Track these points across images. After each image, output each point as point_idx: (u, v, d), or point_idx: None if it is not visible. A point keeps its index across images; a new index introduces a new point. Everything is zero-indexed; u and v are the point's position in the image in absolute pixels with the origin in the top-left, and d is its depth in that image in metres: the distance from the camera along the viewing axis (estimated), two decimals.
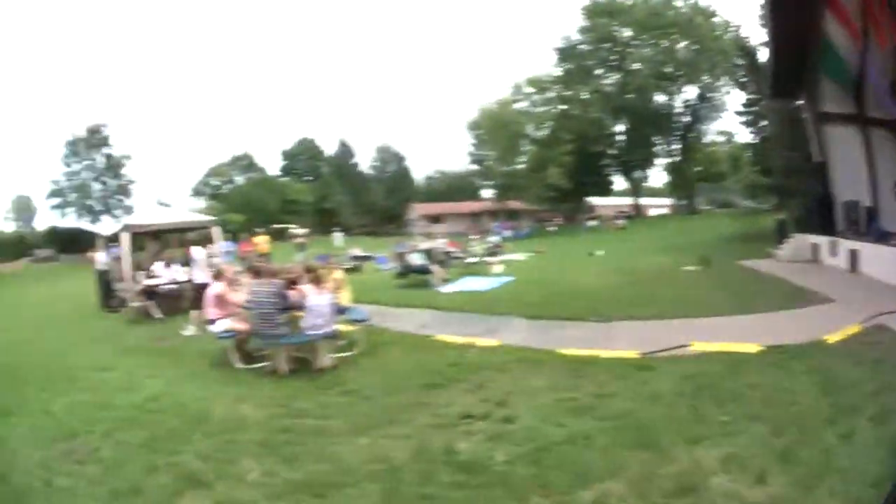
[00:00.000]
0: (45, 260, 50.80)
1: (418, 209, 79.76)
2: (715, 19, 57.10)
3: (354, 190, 79.62)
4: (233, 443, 6.13)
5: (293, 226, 43.76)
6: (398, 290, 17.80)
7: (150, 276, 16.14)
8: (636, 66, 60.91)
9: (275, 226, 54.93)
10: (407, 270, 18.86)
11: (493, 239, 32.08)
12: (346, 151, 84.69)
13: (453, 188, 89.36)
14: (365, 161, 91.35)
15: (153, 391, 8.27)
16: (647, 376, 7.52)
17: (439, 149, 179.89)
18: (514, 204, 72.65)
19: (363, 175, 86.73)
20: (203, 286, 12.19)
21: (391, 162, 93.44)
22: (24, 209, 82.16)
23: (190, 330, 12.71)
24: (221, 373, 9.21)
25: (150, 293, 15.35)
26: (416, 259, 19.19)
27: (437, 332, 11.27)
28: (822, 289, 13.08)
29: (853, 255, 15.75)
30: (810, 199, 20.11)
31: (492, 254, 25.25)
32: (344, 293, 10.86)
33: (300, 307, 9.28)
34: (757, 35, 31.47)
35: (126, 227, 17.67)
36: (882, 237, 15.10)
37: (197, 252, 17.06)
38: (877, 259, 14.46)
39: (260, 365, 9.24)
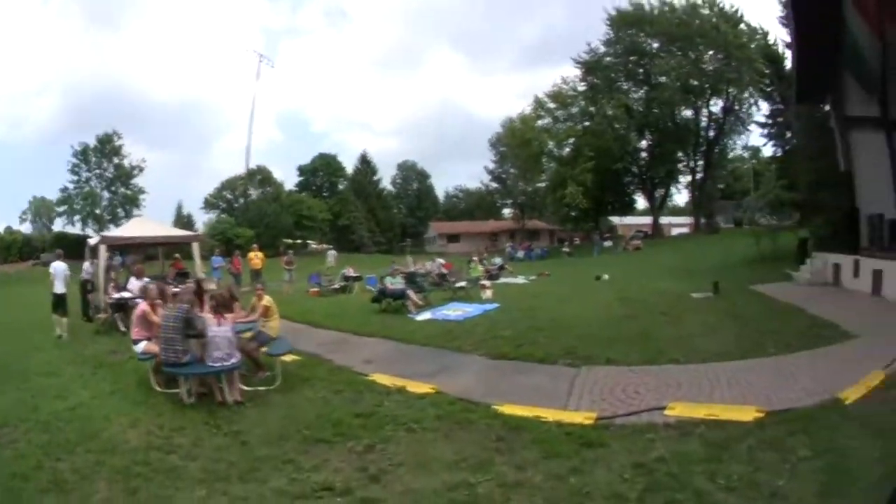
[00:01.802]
0: (48, 263, 50.66)
1: (436, 227, 78.62)
2: (742, 26, 54.23)
3: (371, 207, 78.07)
4: (100, 464, 6.08)
5: (313, 242, 42.39)
6: (371, 315, 16.04)
7: (119, 289, 15.55)
8: (663, 78, 58.35)
9: (287, 241, 53.56)
10: (382, 295, 16.99)
11: (497, 260, 30.68)
12: (366, 168, 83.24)
13: (473, 206, 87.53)
14: (387, 178, 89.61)
15: (77, 401, 8.43)
16: (589, 458, 5.64)
17: (462, 167, 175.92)
18: (534, 223, 70.65)
19: (382, 192, 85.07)
20: None
21: (414, 179, 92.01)
22: (41, 211, 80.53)
23: (57, 331, 13.88)
24: (141, 393, 8.88)
25: (118, 306, 14.79)
26: (392, 283, 17.40)
27: (378, 369, 9.86)
28: (842, 320, 11.19)
29: (876, 276, 13.86)
30: (836, 214, 18.04)
31: (491, 277, 23.67)
32: (273, 321, 10.31)
33: (201, 335, 8.58)
34: (783, 39, 29.35)
35: (103, 239, 17.96)
36: None
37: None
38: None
39: (176, 390, 8.54)
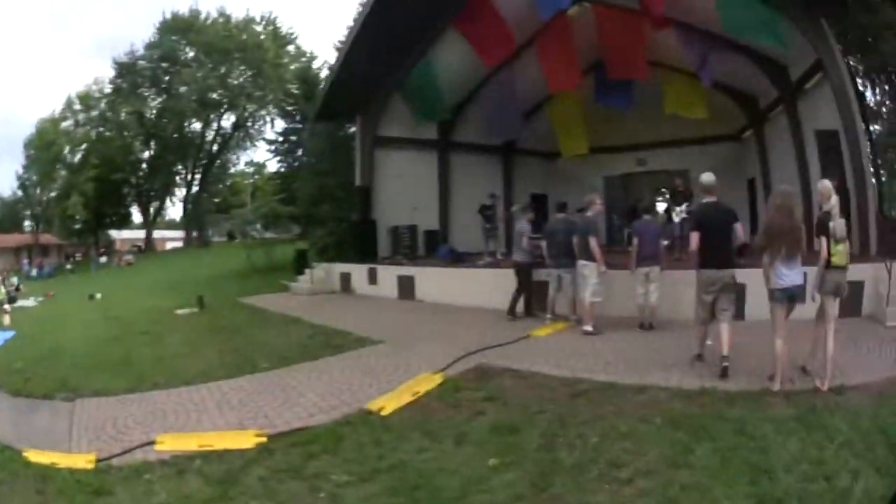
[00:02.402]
0: None
1: None
2: (291, 47, 55.27)
3: None
4: None
5: None
6: None
7: None
8: (183, 88, 55.25)
9: None
10: None
11: (14, 280, 26.72)
12: None
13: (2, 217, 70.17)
14: None
15: None
16: None
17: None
18: (47, 237, 59.83)
19: None
20: None
21: None
22: None
23: None
24: None
25: None
26: None
27: None
28: (356, 325, 11.21)
29: (403, 282, 14.56)
30: (340, 226, 19.07)
31: (11, 299, 20.51)
32: None
33: None
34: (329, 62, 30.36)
35: None
36: (457, 259, 14.88)
37: None
38: (428, 282, 13.87)
39: None
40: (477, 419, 5.91)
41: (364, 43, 15.09)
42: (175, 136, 56.84)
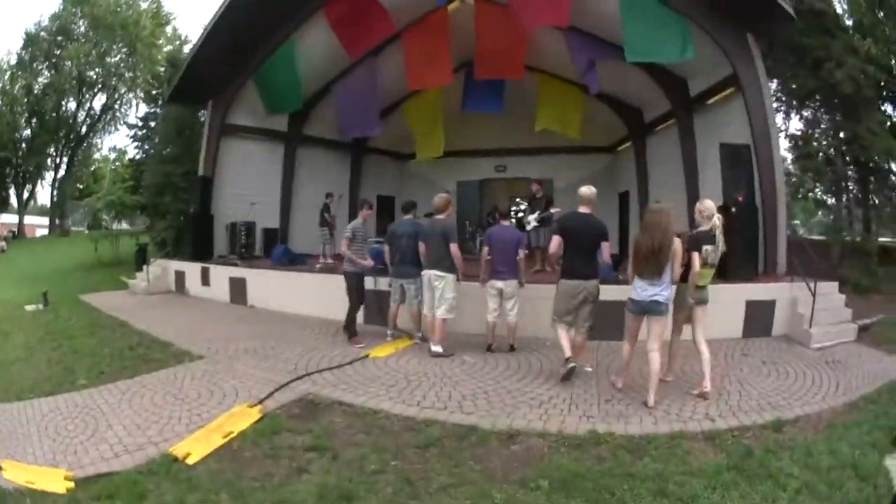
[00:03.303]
0: None
1: None
2: (169, 28, 50.82)
3: None
4: None
5: None
6: None
7: None
8: (69, 63, 49.91)
9: None
10: None
11: None
12: None
13: None
14: None
15: None
16: None
17: None
18: None
19: None
20: None
21: None
22: None
23: None
24: None
25: None
26: None
27: None
28: (176, 335, 9.35)
29: (235, 285, 12.59)
30: (179, 220, 16.79)
31: None
32: None
33: None
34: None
35: None
36: (291, 261, 13.35)
37: None
38: (260, 286, 12.13)
39: None
40: (300, 479, 4.52)
41: (228, 23, 13.22)
42: (54, 114, 50.89)
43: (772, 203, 10.64)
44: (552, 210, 11.87)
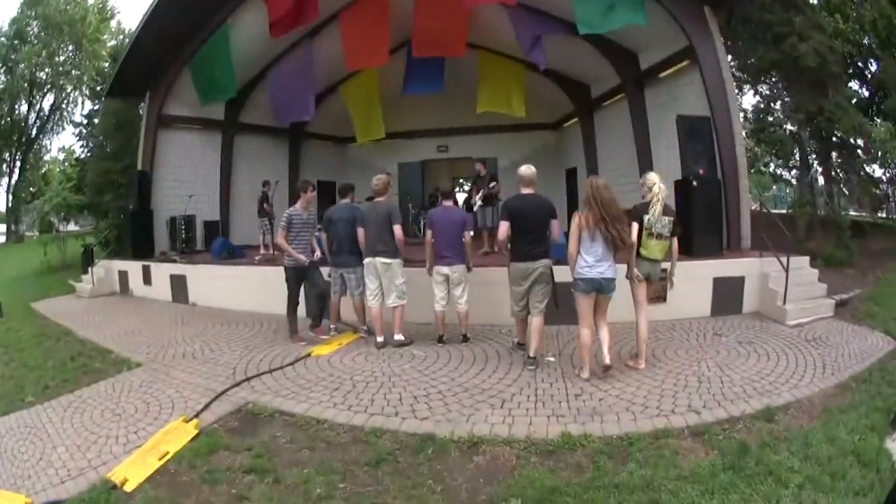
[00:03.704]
0: None
1: None
2: (114, 23, 48.89)
3: None
4: None
5: None
6: None
7: None
8: (22, 65, 47.75)
9: None
10: None
11: None
12: None
13: None
14: None
15: None
16: None
17: None
18: None
19: None
20: None
21: None
22: None
23: None
24: None
25: None
26: None
27: None
28: (116, 342, 8.47)
29: (176, 282, 11.62)
30: (125, 216, 15.50)
31: None
32: None
33: None
34: None
35: None
36: (230, 254, 12.34)
37: None
38: (200, 282, 11.23)
39: None
40: None
41: (165, 9, 12.39)
42: (8, 119, 49.04)
43: (733, 176, 10.08)
44: (491, 186, 11.27)
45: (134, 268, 12.99)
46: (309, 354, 7.08)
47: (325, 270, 8.17)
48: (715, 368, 5.94)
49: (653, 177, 6.18)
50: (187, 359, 7.32)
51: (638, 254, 6.01)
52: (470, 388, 5.69)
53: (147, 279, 12.47)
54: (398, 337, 7.33)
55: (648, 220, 5.96)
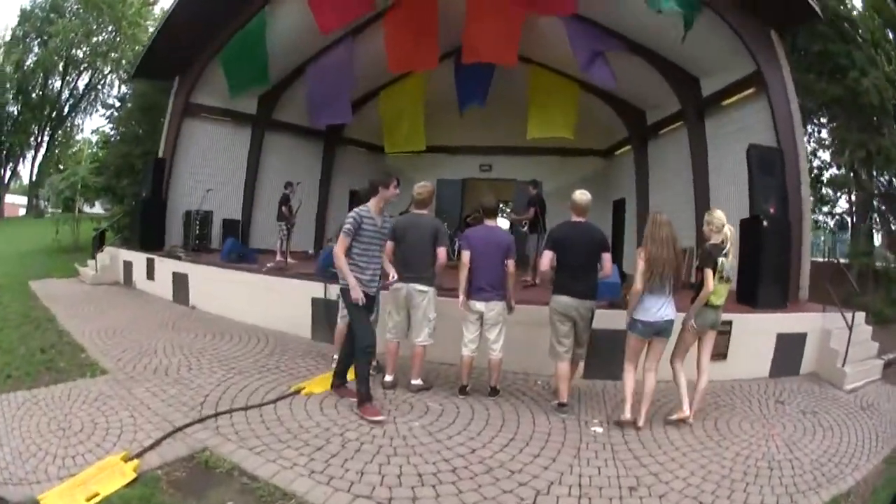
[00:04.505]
0: None
1: None
2: (156, 8, 47.49)
3: None
4: None
5: None
6: None
7: None
8: (58, 40, 47.81)
9: None
10: None
11: None
12: None
13: None
14: None
15: None
16: None
17: None
18: None
19: None
20: None
21: None
22: None
23: None
24: None
25: None
26: None
27: None
28: (93, 342, 7.55)
29: (178, 281, 10.65)
30: (137, 204, 14.59)
31: None
32: None
33: None
34: None
35: None
36: (240, 257, 11.00)
37: None
38: (202, 284, 10.24)
39: None
40: None
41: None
42: (40, 93, 48.59)
43: (797, 218, 8.95)
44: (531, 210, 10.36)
45: (139, 259, 12.09)
46: (299, 391, 5.79)
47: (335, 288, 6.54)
48: (784, 449, 5.00)
49: (721, 216, 5.52)
50: (158, 374, 6.25)
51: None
52: (494, 466, 4.37)
53: (150, 273, 11.56)
54: (416, 382, 6.01)
55: (721, 262, 5.32)
